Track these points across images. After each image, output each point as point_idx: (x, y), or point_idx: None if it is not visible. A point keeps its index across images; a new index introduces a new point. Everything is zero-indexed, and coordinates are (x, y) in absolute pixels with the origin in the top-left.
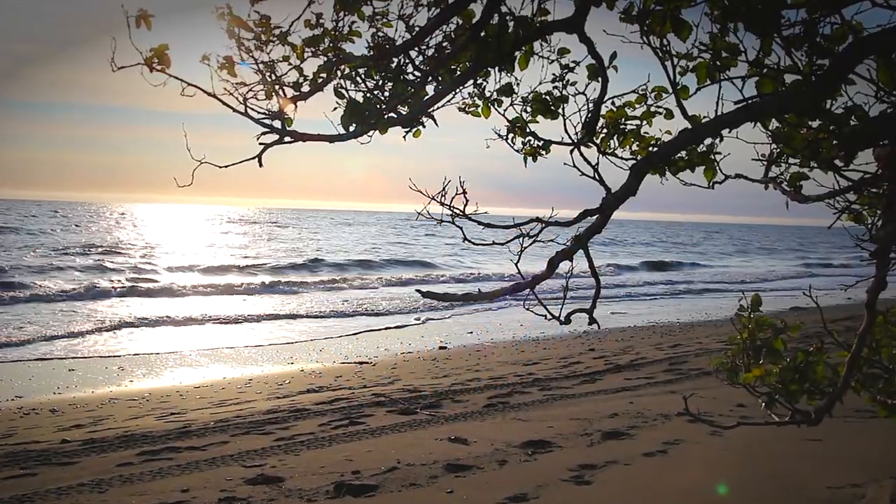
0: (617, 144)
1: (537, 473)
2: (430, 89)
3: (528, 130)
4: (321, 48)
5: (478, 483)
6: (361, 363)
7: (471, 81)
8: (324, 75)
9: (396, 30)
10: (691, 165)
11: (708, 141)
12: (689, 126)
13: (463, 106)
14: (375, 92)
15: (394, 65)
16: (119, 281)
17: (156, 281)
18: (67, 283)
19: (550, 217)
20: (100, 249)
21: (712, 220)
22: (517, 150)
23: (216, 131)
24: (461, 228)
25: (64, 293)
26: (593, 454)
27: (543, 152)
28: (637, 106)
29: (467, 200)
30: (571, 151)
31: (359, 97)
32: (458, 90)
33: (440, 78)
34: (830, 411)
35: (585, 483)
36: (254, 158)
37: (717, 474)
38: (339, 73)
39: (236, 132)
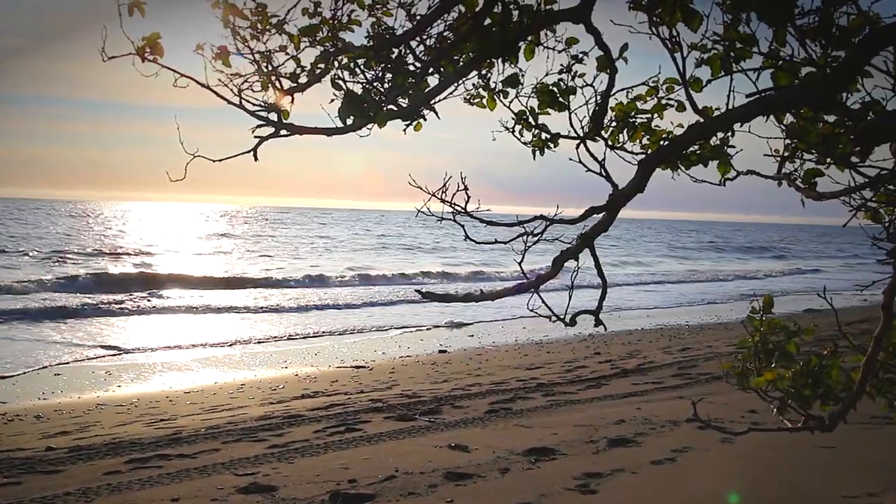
0: (627, 138)
1: (541, 482)
2: (431, 81)
3: (536, 122)
4: (319, 38)
5: (479, 492)
6: (358, 367)
7: (474, 72)
8: (321, 66)
9: (396, 18)
10: (704, 160)
11: (720, 135)
12: (702, 120)
13: (468, 97)
14: (375, 83)
15: (394, 55)
16: (108, 283)
17: (147, 285)
18: (52, 286)
19: (555, 215)
20: (90, 250)
21: (725, 218)
22: (525, 143)
23: (208, 126)
24: (463, 226)
25: (49, 297)
26: (599, 462)
27: (552, 144)
28: (648, 99)
29: (469, 197)
30: (578, 146)
31: (357, 89)
32: (460, 81)
33: (442, 69)
34: (845, 417)
35: (591, 492)
36: (249, 152)
37: (727, 483)
38: (336, 63)
39: (228, 128)
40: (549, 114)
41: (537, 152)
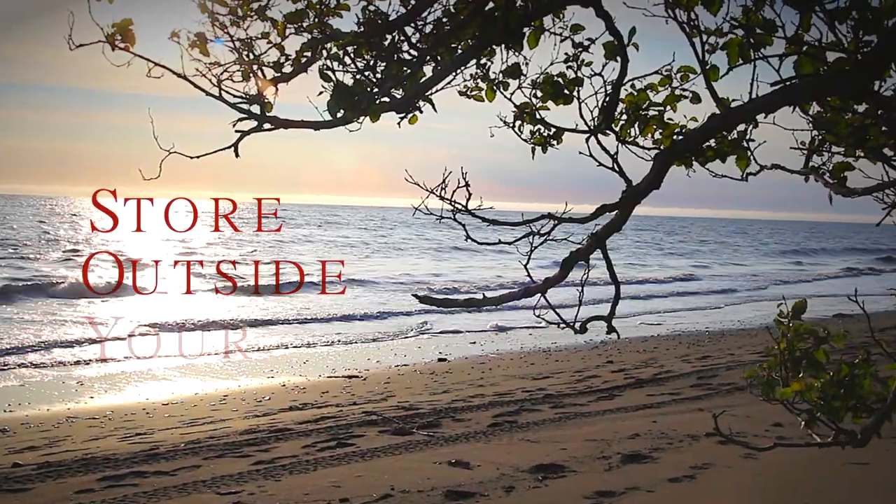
0: (638, 132)
1: (549, 501)
2: (427, 70)
3: (537, 117)
4: (305, 24)
5: None
6: (351, 377)
7: (473, 61)
8: (308, 54)
9: (390, 3)
10: (722, 155)
11: (741, 127)
12: (719, 111)
13: (464, 90)
14: (366, 73)
15: (387, 42)
16: (82, 285)
17: (128, 289)
18: (22, 287)
19: (564, 213)
20: (64, 247)
21: (746, 215)
22: (525, 140)
23: (186, 115)
24: (464, 226)
25: (18, 297)
26: (612, 480)
27: (554, 142)
28: (661, 89)
29: (470, 194)
30: (587, 140)
31: (347, 79)
32: (459, 71)
33: (439, 57)
34: (878, 431)
35: None
36: (229, 147)
37: (750, 502)
38: (325, 52)
39: (211, 116)
40: (548, 109)
41: (538, 149)
